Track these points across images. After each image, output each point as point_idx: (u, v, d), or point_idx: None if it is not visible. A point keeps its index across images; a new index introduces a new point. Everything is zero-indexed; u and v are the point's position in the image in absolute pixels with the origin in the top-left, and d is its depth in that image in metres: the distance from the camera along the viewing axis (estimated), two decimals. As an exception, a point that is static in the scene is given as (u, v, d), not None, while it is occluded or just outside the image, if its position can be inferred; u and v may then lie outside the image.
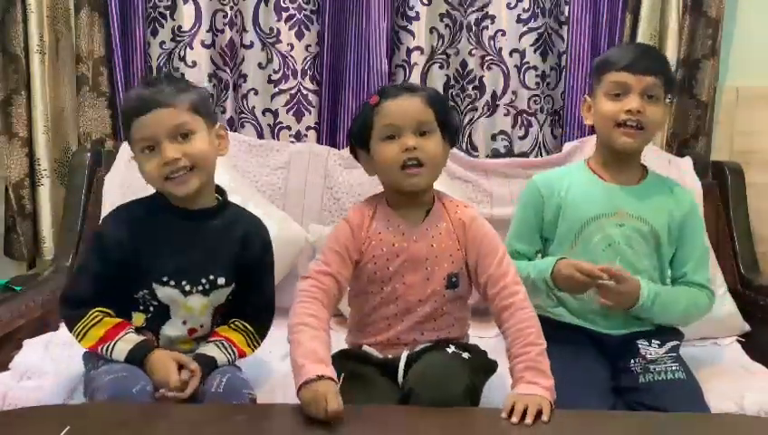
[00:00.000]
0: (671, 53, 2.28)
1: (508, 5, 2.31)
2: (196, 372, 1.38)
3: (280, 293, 2.06)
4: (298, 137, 2.34)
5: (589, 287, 1.56)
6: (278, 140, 2.33)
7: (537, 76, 2.35)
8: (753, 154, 2.31)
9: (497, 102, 2.36)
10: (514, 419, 1.23)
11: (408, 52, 2.32)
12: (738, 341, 1.93)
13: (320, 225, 2.11)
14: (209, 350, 1.46)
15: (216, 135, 1.48)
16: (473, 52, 2.35)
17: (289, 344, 1.34)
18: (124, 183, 2.04)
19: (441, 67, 2.35)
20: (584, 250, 1.65)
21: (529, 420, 1.23)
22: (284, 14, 2.31)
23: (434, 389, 1.33)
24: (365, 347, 1.49)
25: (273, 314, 1.58)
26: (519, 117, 2.37)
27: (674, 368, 1.57)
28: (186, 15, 2.28)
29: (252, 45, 2.32)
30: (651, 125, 1.63)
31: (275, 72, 2.33)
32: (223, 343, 1.48)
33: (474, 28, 2.34)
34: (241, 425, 1.23)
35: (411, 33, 2.32)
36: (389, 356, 1.47)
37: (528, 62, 2.34)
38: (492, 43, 2.33)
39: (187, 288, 1.45)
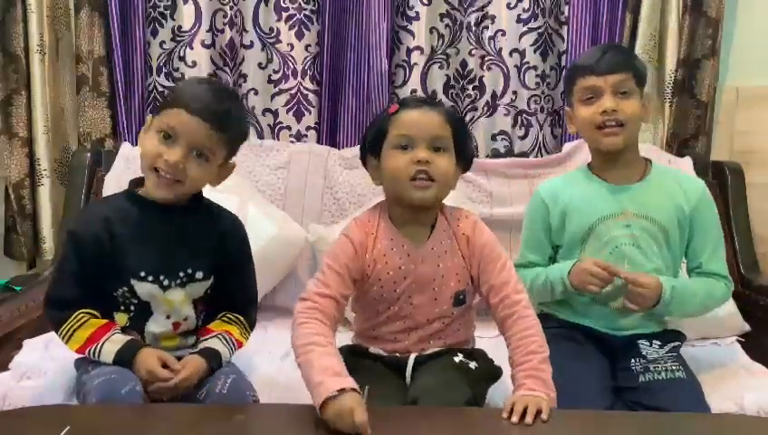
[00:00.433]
0: (671, 53, 2.28)
1: (508, 5, 2.32)
2: (181, 373, 1.37)
3: (280, 293, 2.09)
4: (298, 137, 2.34)
5: (603, 282, 1.56)
6: (278, 140, 2.33)
7: (537, 76, 2.35)
8: (753, 154, 2.31)
9: (497, 102, 2.36)
10: (514, 418, 1.23)
11: (408, 52, 2.32)
12: (738, 341, 1.93)
13: (320, 225, 2.11)
14: (212, 344, 1.46)
15: (224, 168, 1.48)
16: (473, 52, 2.35)
17: (299, 367, 1.30)
18: (124, 183, 2.03)
19: (441, 67, 2.35)
20: (593, 254, 1.65)
21: (529, 419, 1.23)
22: (284, 14, 2.31)
23: (437, 400, 1.33)
24: (371, 349, 1.49)
25: (257, 304, 1.58)
26: (519, 117, 2.37)
27: (674, 368, 1.57)
28: (186, 15, 2.28)
29: (252, 45, 2.32)
30: (630, 120, 1.63)
31: (275, 72, 2.33)
32: (224, 337, 1.48)
33: (474, 28, 2.34)
34: (241, 425, 1.23)
35: (411, 33, 2.32)
36: (397, 355, 1.47)
37: (528, 62, 2.34)
38: (492, 43, 2.34)
39: (166, 283, 1.44)
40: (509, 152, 2.37)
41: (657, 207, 1.65)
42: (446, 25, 2.34)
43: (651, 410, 1.47)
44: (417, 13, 2.30)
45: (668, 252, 1.66)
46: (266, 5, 2.31)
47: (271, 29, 2.32)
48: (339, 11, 2.32)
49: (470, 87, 2.37)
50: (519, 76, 2.35)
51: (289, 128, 2.34)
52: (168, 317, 1.47)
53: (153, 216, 1.44)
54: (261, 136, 2.34)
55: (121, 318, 1.46)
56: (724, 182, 2.24)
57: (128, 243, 1.43)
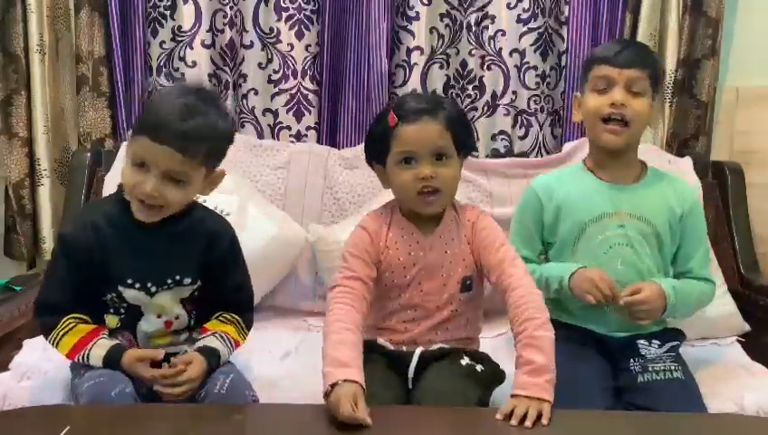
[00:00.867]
0: (671, 53, 2.28)
1: (508, 5, 2.31)
2: (187, 371, 1.37)
3: (280, 293, 2.09)
4: (298, 137, 2.34)
5: (602, 294, 1.55)
6: (278, 140, 2.33)
7: (537, 76, 2.35)
8: (753, 154, 2.31)
9: (497, 102, 2.36)
10: (513, 421, 1.23)
11: (408, 52, 2.32)
12: (738, 341, 1.93)
13: (320, 225, 2.11)
14: (210, 342, 1.46)
15: (211, 180, 1.44)
16: (473, 52, 2.35)
17: None
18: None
19: (441, 67, 2.35)
20: (585, 252, 1.65)
21: (528, 423, 1.23)
22: (284, 14, 2.31)
23: (442, 404, 1.34)
24: (379, 340, 1.50)
25: (253, 304, 1.58)
26: (519, 117, 2.37)
27: (672, 368, 1.57)
28: (186, 15, 2.28)
29: (252, 45, 2.32)
30: (636, 120, 1.62)
31: (275, 72, 2.33)
32: (221, 336, 1.47)
33: (474, 28, 2.34)
34: (240, 425, 1.23)
35: (411, 33, 2.32)
36: (403, 349, 1.48)
37: (528, 62, 2.34)
38: (492, 43, 2.34)
39: (153, 289, 1.44)
40: (509, 152, 2.37)
41: (652, 210, 1.65)
42: (446, 25, 2.34)
43: (647, 411, 1.47)
44: (417, 13, 2.30)
45: (660, 254, 1.66)
46: (266, 5, 2.31)
47: (271, 29, 2.32)
48: (339, 11, 2.31)
49: (470, 87, 2.36)
50: (519, 76, 2.35)
51: (289, 128, 2.34)
52: (159, 316, 1.47)
53: (141, 223, 1.42)
54: (261, 136, 2.34)
55: (112, 320, 1.46)
56: (724, 182, 2.24)
57: (115, 250, 1.42)
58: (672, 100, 2.30)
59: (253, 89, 2.33)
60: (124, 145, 2.21)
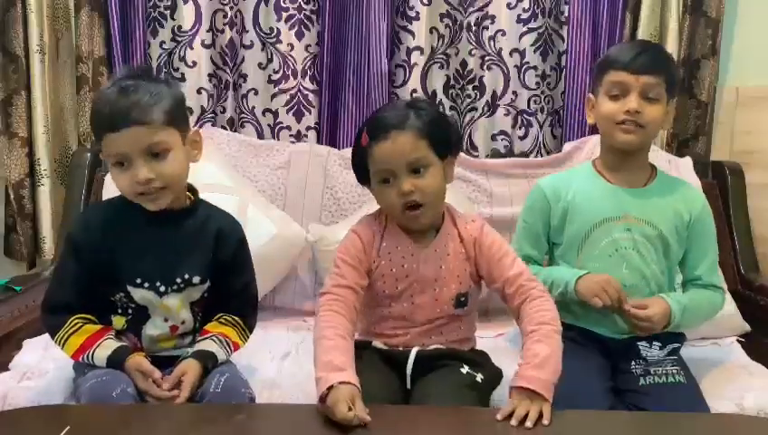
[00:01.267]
0: (671, 52, 2.28)
1: (508, 5, 2.32)
2: (184, 388, 1.36)
3: (280, 293, 2.09)
4: (298, 137, 2.34)
5: (610, 302, 1.55)
6: (278, 140, 2.33)
7: (537, 76, 2.35)
8: (753, 154, 2.31)
9: (497, 102, 2.36)
10: (514, 422, 1.23)
11: (408, 52, 2.32)
12: (738, 341, 1.93)
13: (320, 225, 2.11)
14: (207, 345, 1.45)
15: (190, 143, 1.44)
16: (473, 52, 2.35)
17: None
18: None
19: (441, 67, 2.35)
20: (591, 255, 1.64)
21: (529, 423, 1.23)
22: (284, 14, 2.31)
23: None
24: (374, 343, 1.49)
25: (257, 307, 1.57)
26: (519, 117, 2.37)
27: (674, 371, 1.57)
28: (186, 15, 2.28)
29: (252, 45, 2.32)
30: (651, 125, 1.62)
31: (275, 72, 2.33)
32: (219, 338, 1.47)
33: (474, 28, 2.34)
34: (241, 425, 1.23)
35: (411, 33, 2.32)
36: (399, 349, 1.47)
37: (528, 62, 2.34)
38: (492, 43, 2.34)
39: (162, 289, 1.44)
40: (509, 152, 2.37)
41: (659, 215, 1.64)
42: (446, 25, 2.34)
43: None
44: (417, 13, 2.30)
45: (665, 259, 1.65)
46: (266, 5, 2.31)
47: (271, 29, 2.32)
48: (339, 11, 2.32)
49: (470, 87, 2.37)
50: (519, 76, 2.35)
51: (289, 128, 2.34)
52: (165, 320, 1.47)
53: (149, 222, 1.43)
54: (261, 136, 2.34)
55: (119, 321, 1.45)
56: (724, 182, 2.24)
57: (124, 250, 1.42)
58: (674, 100, 2.30)
59: (253, 89, 2.33)
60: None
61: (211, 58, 2.30)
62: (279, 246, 1.99)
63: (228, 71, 2.32)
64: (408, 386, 1.44)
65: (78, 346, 1.40)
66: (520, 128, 2.37)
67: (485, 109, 2.36)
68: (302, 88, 2.33)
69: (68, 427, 1.14)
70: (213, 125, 2.30)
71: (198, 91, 2.28)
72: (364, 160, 1.44)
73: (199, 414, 1.29)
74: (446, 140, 1.44)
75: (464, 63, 2.36)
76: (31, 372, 1.59)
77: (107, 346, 1.40)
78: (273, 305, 2.07)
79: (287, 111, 2.34)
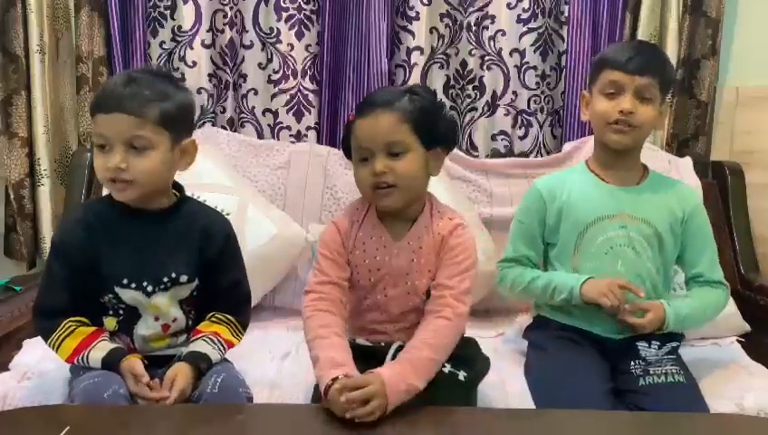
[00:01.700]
0: (671, 53, 2.28)
1: (508, 5, 2.32)
2: (174, 389, 1.35)
3: (280, 293, 2.09)
4: (298, 137, 2.34)
5: (617, 301, 1.55)
6: (278, 140, 2.33)
7: (537, 76, 2.35)
8: (753, 154, 2.31)
9: (497, 102, 2.36)
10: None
11: (408, 52, 2.32)
12: (738, 341, 1.93)
13: (320, 225, 2.11)
14: (199, 346, 1.44)
15: (180, 150, 1.43)
16: (473, 52, 2.35)
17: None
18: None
19: (441, 67, 2.35)
20: (586, 253, 1.65)
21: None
22: (284, 14, 2.31)
23: None
24: (357, 340, 1.48)
25: (250, 303, 1.57)
26: (519, 117, 2.37)
27: (673, 371, 1.57)
28: (186, 15, 2.28)
29: (252, 45, 2.32)
30: (643, 125, 1.63)
31: (275, 72, 2.33)
32: (210, 338, 1.46)
33: (474, 28, 2.34)
34: (241, 425, 1.23)
35: (411, 33, 2.32)
36: (381, 344, 1.46)
37: (528, 62, 2.34)
38: (492, 43, 2.34)
39: (150, 289, 1.43)
40: (509, 152, 2.37)
41: (653, 212, 1.65)
42: (446, 25, 2.34)
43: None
44: (417, 13, 2.30)
45: (661, 256, 1.66)
46: (266, 5, 2.31)
47: (271, 29, 2.32)
48: (339, 11, 2.32)
49: (470, 87, 2.36)
50: (519, 76, 2.35)
51: (289, 128, 2.34)
52: (156, 319, 1.46)
53: (132, 221, 1.42)
54: (261, 136, 2.34)
55: (110, 322, 1.45)
56: (724, 182, 2.24)
57: (109, 250, 1.41)
58: (672, 100, 2.31)
59: (253, 89, 2.33)
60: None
61: (211, 58, 2.30)
62: (279, 246, 1.99)
63: (228, 71, 2.32)
64: None
65: (72, 349, 1.40)
66: (520, 128, 2.37)
67: (485, 109, 2.36)
68: (302, 88, 2.33)
69: (68, 427, 1.14)
70: (213, 125, 2.30)
71: (198, 91, 2.28)
72: (348, 136, 1.44)
73: (199, 414, 1.29)
74: (433, 130, 1.41)
75: (464, 63, 2.36)
76: (31, 372, 1.59)
77: (101, 348, 1.40)
78: (273, 305, 2.07)
79: (287, 111, 2.34)
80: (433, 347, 1.34)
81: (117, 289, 1.42)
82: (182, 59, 2.29)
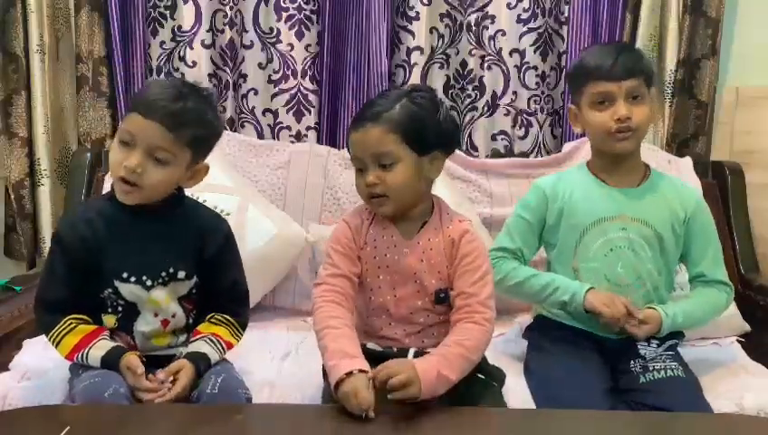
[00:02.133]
0: (671, 53, 2.28)
1: (508, 5, 2.32)
2: (177, 384, 1.36)
3: (280, 293, 2.09)
4: (298, 137, 2.34)
5: (617, 314, 1.55)
6: (278, 140, 2.33)
7: (537, 76, 2.35)
8: (753, 154, 2.31)
9: (497, 102, 2.36)
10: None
11: (408, 52, 2.32)
12: (738, 341, 1.93)
13: (320, 225, 2.11)
14: (199, 347, 1.45)
15: (193, 170, 1.45)
16: (473, 52, 2.35)
17: (320, 351, 1.36)
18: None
19: (441, 67, 2.35)
20: (587, 255, 1.65)
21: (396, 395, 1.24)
22: (284, 14, 2.31)
23: None
24: (368, 344, 1.47)
25: (249, 304, 1.57)
26: (519, 117, 2.37)
27: (672, 366, 1.57)
28: (186, 15, 2.28)
29: (252, 45, 2.32)
30: (641, 125, 1.62)
31: (275, 72, 2.33)
32: (211, 339, 1.47)
33: (474, 28, 2.34)
34: (241, 425, 1.23)
35: (411, 33, 2.32)
36: (394, 350, 1.46)
37: (528, 62, 2.34)
38: (492, 43, 2.34)
39: (149, 283, 1.44)
40: (509, 152, 2.37)
41: (654, 213, 1.65)
42: (446, 25, 2.34)
43: (652, 409, 1.47)
44: (417, 13, 2.30)
45: (662, 257, 1.65)
46: (266, 5, 2.31)
47: (271, 29, 2.32)
48: (339, 11, 2.32)
49: (470, 87, 2.37)
50: (519, 76, 2.35)
51: (289, 128, 2.34)
52: (155, 315, 1.47)
53: (133, 217, 1.44)
54: (261, 136, 2.34)
55: (110, 319, 1.46)
56: (724, 182, 2.24)
57: (109, 244, 1.43)
58: (672, 100, 2.31)
59: (253, 89, 2.33)
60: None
61: (211, 58, 2.30)
62: (279, 246, 1.99)
63: (228, 71, 2.32)
64: None
65: (72, 346, 1.40)
66: (520, 128, 2.37)
67: (485, 109, 2.36)
68: (302, 88, 2.33)
69: (68, 427, 1.14)
70: (213, 125, 2.30)
71: (198, 91, 2.28)
72: (348, 147, 1.47)
73: (199, 414, 1.29)
74: (425, 136, 1.40)
75: (464, 63, 2.36)
76: (31, 372, 1.59)
77: (101, 347, 1.40)
78: (273, 305, 2.07)
79: (287, 111, 2.34)
80: (465, 346, 1.35)
81: (117, 283, 1.43)
82: (182, 59, 2.29)
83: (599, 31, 2.31)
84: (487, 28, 2.33)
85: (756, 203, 2.25)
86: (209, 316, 1.51)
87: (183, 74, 2.28)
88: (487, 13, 2.33)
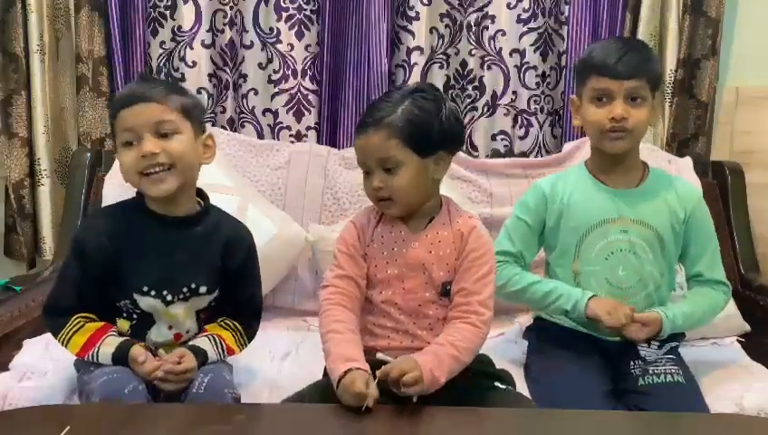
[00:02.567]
0: (671, 53, 2.28)
1: (508, 5, 2.32)
2: (184, 363, 1.38)
3: (280, 293, 2.09)
4: (298, 137, 2.34)
5: (618, 322, 1.55)
6: (278, 140, 2.33)
7: (537, 76, 2.35)
8: (753, 154, 2.31)
9: (497, 102, 2.36)
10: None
11: (408, 52, 2.32)
12: (738, 341, 1.93)
13: (320, 225, 2.11)
14: (201, 342, 1.46)
15: (202, 143, 1.45)
16: (473, 52, 2.35)
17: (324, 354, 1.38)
18: (124, 183, 2.03)
19: (441, 67, 2.35)
20: (587, 258, 1.64)
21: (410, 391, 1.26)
22: (284, 14, 2.31)
23: None
24: (379, 355, 1.45)
25: (260, 318, 1.58)
26: (519, 117, 2.37)
27: (673, 371, 1.57)
28: (186, 15, 2.28)
29: (252, 45, 2.32)
30: (637, 127, 1.60)
31: (275, 72, 2.33)
32: (214, 338, 1.47)
33: (474, 28, 2.34)
34: (241, 425, 1.23)
35: (411, 33, 2.32)
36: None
37: (528, 62, 2.34)
38: (492, 43, 2.34)
39: (169, 298, 1.44)
40: (509, 152, 2.37)
41: (654, 214, 1.64)
42: (446, 25, 2.34)
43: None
44: (417, 13, 2.30)
45: (663, 259, 1.65)
46: (266, 5, 2.31)
47: (271, 29, 2.32)
48: (339, 11, 2.32)
49: (470, 87, 2.37)
50: (519, 76, 2.35)
51: (289, 128, 2.34)
52: (170, 328, 1.47)
53: (157, 229, 1.43)
54: (261, 136, 2.34)
55: (123, 324, 1.45)
56: (724, 182, 2.24)
57: (131, 256, 1.42)
58: (672, 100, 2.31)
59: (253, 89, 2.33)
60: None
61: (211, 58, 2.30)
62: (279, 246, 1.99)
63: (228, 71, 2.32)
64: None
65: (81, 346, 1.40)
66: (520, 128, 2.38)
67: (485, 109, 2.36)
68: (302, 88, 2.33)
69: (68, 427, 1.14)
70: (213, 125, 2.30)
71: (198, 91, 2.28)
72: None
73: (199, 414, 1.29)
74: (429, 138, 1.40)
75: (464, 63, 2.36)
76: (31, 371, 1.59)
77: (110, 344, 1.40)
78: (273, 305, 2.07)
79: (287, 111, 2.34)
80: (457, 346, 1.36)
81: (135, 296, 1.42)
82: (182, 59, 2.29)
83: (599, 31, 2.31)
84: (487, 28, 2.33)
85: (756, 203, 2.25)
86: (220, 319, 1.52)
87: (183, 74, 2.28)
88: (487, 13, 2.33)
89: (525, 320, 1.88)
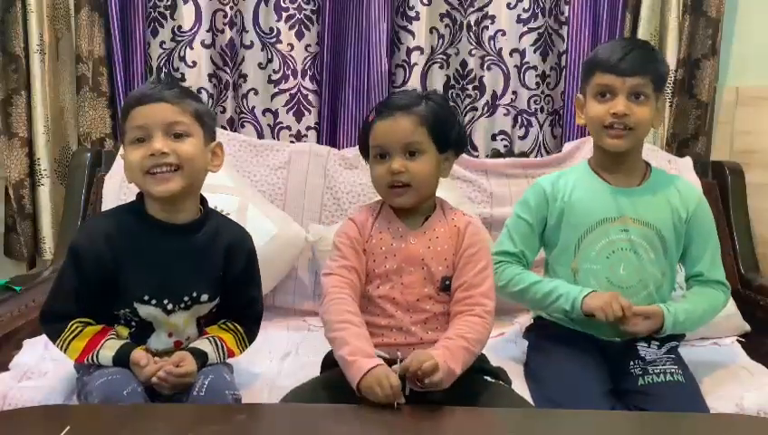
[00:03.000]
0: (671, 53, 2.28)
1: (508, 5, 2.32)
2: (184, 366, 1.37)
3: (280, 293, 2.09)
4: (298, 137, 2.34)
5: (613, 315, 1.54)
6: (278, 140, 2.33)
7: (537, 76, 2.35)
8: (753, 154, 2.31)
9: (497, 102, 2.36)
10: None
11: (408, 52, 2.32)
12: (738, 341, 1.93)
13: (320, 225, 2.11)
14: (201, 344, 1.45)
15: (211, 151, 1.45)
16: (473, 52, 2.35)
17: (332, 341, 1.38)
18: (124, 183, 2.03)
19: (441, 67, 2.35)
20: (587, 257, 1.64)
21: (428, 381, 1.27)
22: (284, 14, 2.31)
23: None
24: (376, 352, 1.45)
25: (260, 322, 1.58)
26: (519, 117, 2.37)
27: (672, 370, 1.57)
28: (186, 15, 2.28)
29: (252, 45, 2.32)
30: (639, 125, 1.60)
31: (275, 72, 2.33)
32: (215, 340, 1.47)
33: (474, 28, 2.34)
34: (241, 425, 1.23)
35: (411, 33, 2.32)
36: (398, 354, 1.43)
37: (528, 62, 2.34)
38: (492, 43, 2.34)
39: (170, 307, 1.43)
40: (509, 152, 2.37)
41: (656, 214, 1.64)
42: (446, 25, 2.34)
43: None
44: (417, 13, 2.30)
45: (665, 258, 1.65)
46: (266, 5, 2.31)
47: (271, 29, 2.32)
48: (339, 11, 2.32)
49: (470, 87, 2.37)
50: (519, 76, 2.35)
51: (289, 128, 2.34)
52: (170, 336, 1.46)
53: (157, 236, 1.41)
54: (261, 136, 2.34)
55: (122, 330, 1.45)
56: (724, 182, 2.24)
57: (130, 265, 1.40)
58: (672, 100, 2.31)
59: (253, 89, 2.33)
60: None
61: (211, 58, 2.30)
62: (279, 246, 1.99)
63: (228, 71, 2.32)
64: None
65: (80, 350, 1.40)
66: (520, 128, 2.38)
67: (485, 109, 2.36)
68: (302, 88, 2.33)
69: (68, 427, 1.14)
70: (213, 125, 2.30)
71: (198, 91, 2.27)
72: (366, 134, 1.48)
73: (200, 414, 1.29)
74: (447, 134, 1.47)
75: (464, 63, 2.36)
76: (31, 372, 1.59)
77: (110, 347, 1.39)
78: (273, 305, 2.07)
79: (287, 111, 2.34)
80: (467, 338, 1.37)
81: (136, 305, 1.41)
82: (182, 59, 2.29)
83: (599, 31, 2.31)
84: (487, 28, 2.33)
85: (756, 203, 2.25)
86: (220, 321, 1.52)
87: (183, 74, 2.28)
88: (487, 13, 2.33)
89: (525, 320, 1.88)
